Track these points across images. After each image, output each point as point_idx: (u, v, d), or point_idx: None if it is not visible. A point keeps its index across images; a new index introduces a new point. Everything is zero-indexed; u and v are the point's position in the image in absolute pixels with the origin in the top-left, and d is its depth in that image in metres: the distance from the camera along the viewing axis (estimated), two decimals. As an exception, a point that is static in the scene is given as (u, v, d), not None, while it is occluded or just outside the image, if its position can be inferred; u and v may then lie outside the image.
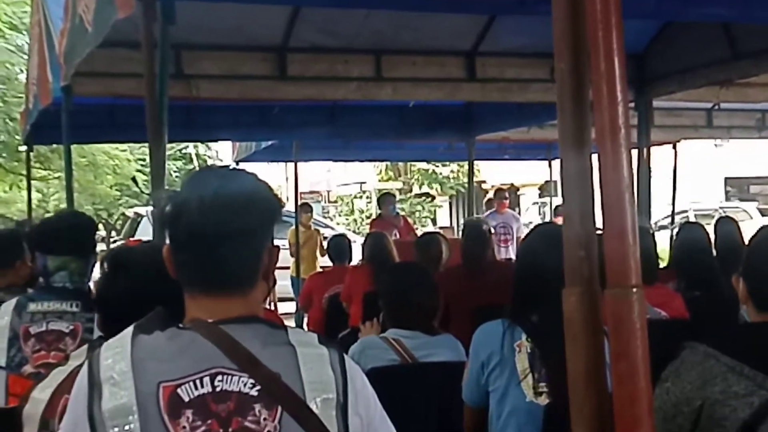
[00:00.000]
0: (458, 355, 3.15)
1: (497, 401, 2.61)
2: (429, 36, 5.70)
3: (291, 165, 10.17)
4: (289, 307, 9.93)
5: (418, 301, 3.28)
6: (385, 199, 10.47)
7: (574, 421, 1.32)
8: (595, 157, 1.32)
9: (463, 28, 5.82)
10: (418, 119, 7.82)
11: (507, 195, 11.07)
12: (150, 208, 13.87)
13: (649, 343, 1.25)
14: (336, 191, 32.23)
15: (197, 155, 28.21)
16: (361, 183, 29.35)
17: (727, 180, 28.00)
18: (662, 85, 6.23)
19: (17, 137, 12.54)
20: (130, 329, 1.51)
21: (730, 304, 3.48)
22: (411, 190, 28.51)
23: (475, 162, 9.59)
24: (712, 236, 5.30)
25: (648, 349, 1.25)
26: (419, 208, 27.90)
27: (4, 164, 14.53)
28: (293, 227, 10.57)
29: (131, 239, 12.49)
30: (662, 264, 4.84)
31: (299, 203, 10.53)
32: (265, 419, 1.43)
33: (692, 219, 14.26)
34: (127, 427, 1.40)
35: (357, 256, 6.97)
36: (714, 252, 5.17)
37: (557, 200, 11.52)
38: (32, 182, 9.09)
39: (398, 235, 9.30)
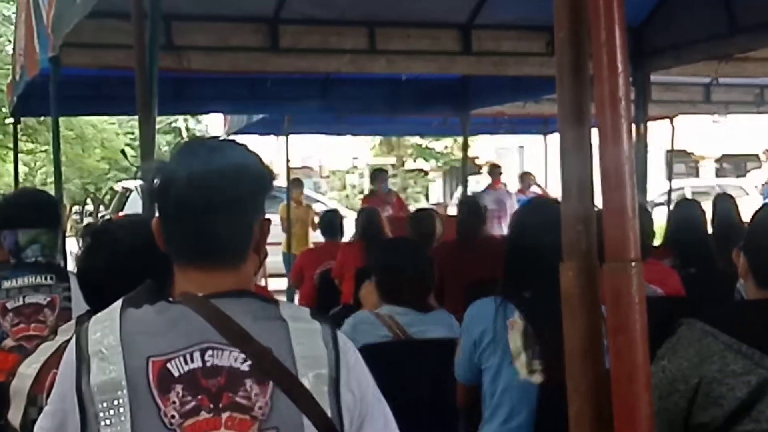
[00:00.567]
0: (452, 332, 3.14)
1: (490, 379, 2.60)
2: (424, 8, 5.65)
3: (282, 139, 10.11)
4: (281, 283, 9.92)
5: (412, 277, 3.26)
6: (377, 175, 10.45)
7: (570, 396, 1.30)
8: (594, 132, 1.30)
9: (459, 1, 5.77)
10: (412, 93, 7.78)
11: (501, 171, 11.06)
12: (139, 183, 13.82)
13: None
14: (328, 166, 32.17)
15: (187, 129, 28.08)
16: (354, 158, 29.31)
17: (724, 156, 28.03)
18: (660, 59, 6.19)
19: (3, 109, 12.44)
20: (119, 303, 1.49)
21: (726, 280, 3.48)
22: (404, 165, 28.47)
23: (469, 137, 9.56)
24: (709, 213, 5.30)
25: (647, 324, 1.23)
26: (412, 183, 27.89)
27: (-12, 137, 14.43)
28: (285, 203, 10.54)
29: (120, 214, 12.46)
30: (658, 241, 4.84)
31: (290, 178, 10.49)
32: (256, 394, 1.42)
33: (689, 196, 14.29)
34: (115, 402, 1.38)
35: (349, 232, 6.96)
36: (711, 229, 5.17)
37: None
38: (19, 155, 9.02)
39: (390, 211, 9.29)
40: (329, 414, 1.44)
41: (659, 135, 9.39)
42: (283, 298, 7.92)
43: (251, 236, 1.53)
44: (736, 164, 27.84)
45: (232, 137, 9.01)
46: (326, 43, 5.78)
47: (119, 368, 1.40)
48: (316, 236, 9.16)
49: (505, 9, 5.81)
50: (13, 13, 12.37)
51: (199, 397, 1.40)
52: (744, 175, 23.13)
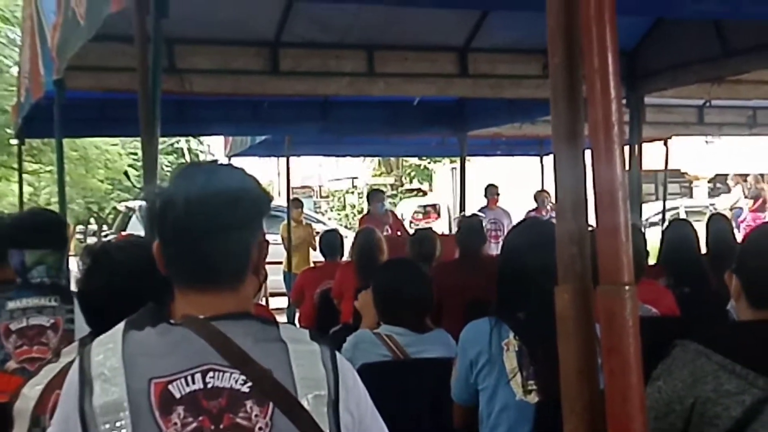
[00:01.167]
0: (450, 351, 3.15)
1: (487, 400, 2.61)
2: (421, 31, 5.70)
3: (283, 160, 10.14)
4: (281, 302, 9.92)
5: (411, 297, 3.28)
6: (373, 195, 10.42)
7: (566, 417, 1.31)
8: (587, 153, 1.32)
9: (456, 24, 5.82)
10: (410, 115, 7.82)
11: (498, 191, 11.08)
12: (141, 203, 13.83)
13: (640, 339, 1.25)
14: (327, 186, 32.19)
15: (189, 150, 28.13)
16: (353, 178, 29.33)
17: (717, 176, 28.06)
18: (654, 81, 6.24)
19: (8, 130, 12.48)
20: (121, 325, 1.50)
21: (720, 300, 3.50)
22: (402, 185, 28.49)
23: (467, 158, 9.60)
24: (704, 233, 5.32)
25: (640, 345, 1.25)
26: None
27: (-6, 157, 14.47)
28: (285, 222, 10.56)
29: (122, 233, 12.48)
30: (652, 261, 4.85)
31: (290, 198, 10.52)
32: (256, 416, 1.43)
33: (683, 215, 14.30)
34: (118, 423, 1.40)
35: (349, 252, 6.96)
36: (706, 249, 5.18)
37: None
38: (23, 176, 9.05)
39: (389, 232, 9.29)
40: None
41: (653, 155, 9.44)
42: (283, 317, 7.93)
43: (250, 258, 1.55)
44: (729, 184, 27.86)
45: (234, 160, 9.11)
46: (326, 66, 5.83)
47: (121, 390, 1.41)
48: (316, 255, 9.17)
49: (500, 33, 5.86)
50: (17, 35, 12.44)
51: (201, 418, 1.42)
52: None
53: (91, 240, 16.30)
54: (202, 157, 28.61)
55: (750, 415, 1.60)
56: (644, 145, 6.82)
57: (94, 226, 19.15)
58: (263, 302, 9.77)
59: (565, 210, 1.33)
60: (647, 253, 4.13)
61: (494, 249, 9.80)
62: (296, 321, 7.19)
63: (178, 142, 27.14)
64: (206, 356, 1.45)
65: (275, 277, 10.52)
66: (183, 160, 26.71)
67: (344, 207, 29.22)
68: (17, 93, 7.61)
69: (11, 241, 3.12)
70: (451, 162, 22.56)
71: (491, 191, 10.93)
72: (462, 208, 9.02)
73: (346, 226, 20.48)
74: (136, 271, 1.86)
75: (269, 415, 1.44)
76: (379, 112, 7.70)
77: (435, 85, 6.23)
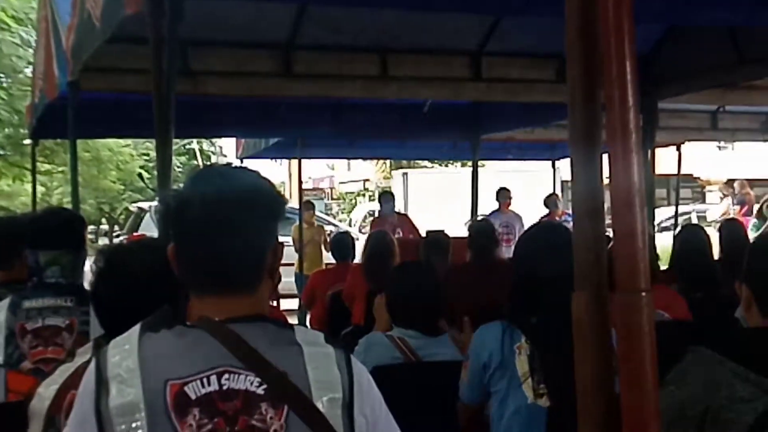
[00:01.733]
0: (461, 355, 3.15)
1: (499, 403, 2.62)
2: (435, 35, 5.70)
3: (294, 162, 10.16)
4: (292, 303, 9.93)
5: (423, 301, 3.29)
6: (383, 197, 10.43)
7: (581, 423, 1.32)
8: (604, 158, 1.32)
9: (469, 28, 5.83)
10: (423, 118, 7.82)
11: (510, 195, 11.06)
12: (153, 203, 13.91)
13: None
14: (339, 188, 32.24)
15: (201, 151, 28.24)
16: (365, 180, 29.37)
17: (729, 182, 27.97)
18: (668, 87, 6.22)
19: (22, 131, 12.58)
20: (137, 327, 1.51)
21: (733, 305, 3.49)
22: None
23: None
24: (717, 238, 5.30)
25: (656, 352, 1.25)
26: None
27: (8, 157, 14.56)
28: (297, 224, 10.58)
29: (134, 234, 12.52)
30: (665, 266, 4.85)
31: (302, 200, 10.54)
32: (271, 418, 1.44)
33: (695, 220, 14.26)
34: (134, 425, 1.40)
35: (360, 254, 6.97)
36: (719, 253, 5.17)
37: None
38: (36, 176, 9.11)
39: (400, 234, 9.29)
40: None
41: (666, 160, 9.42)
42: (294, 319, 7.94)
43: (265, 260, 1.56)
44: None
45: (246, 162, 9.10)
46: (339, 68, 5.84)
47: (137, 391, 1.42)
48: (328, 257, 9.19)
49: (514, 37, 5.86)
50: (31, 36, 12.52)
51: (216, 420, 1.42)
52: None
53: (103, 240, 16.37)
54: (213, 159, 28.73)
55: (763, 422, 1.60)
56: (657, 150, 6.81)
57: (105, 227, 19.24)
58: (274, 303, 9.79)
59: (582, 216, 1.34)
60: (657, 257, 4.12)
61: (506, 253, 9.81)
62: (307, 323, 7.19)
63: (190, 143, 27.25)
64: (222, 358, 1.46)
65: (286, 279, 10.52)
66: (195, 162, 26.81)
67: (352, 209, 29.25)
68: (31, 94, 7.65)
69: (27, 241, 3.13)
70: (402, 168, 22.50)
71: (503, 195, 10.91)
72: (474, 212, 9.01)
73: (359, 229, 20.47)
74: (149, 273, 1.87)
75: (284, 417, 1.44)
76: (392, 115, 7.70)
77: (448, 89, 6.23)
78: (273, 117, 7.43)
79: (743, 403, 1.61)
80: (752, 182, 25.95)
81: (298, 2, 5.09)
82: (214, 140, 27.29)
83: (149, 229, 12.06)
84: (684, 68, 5.98)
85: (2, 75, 13.37)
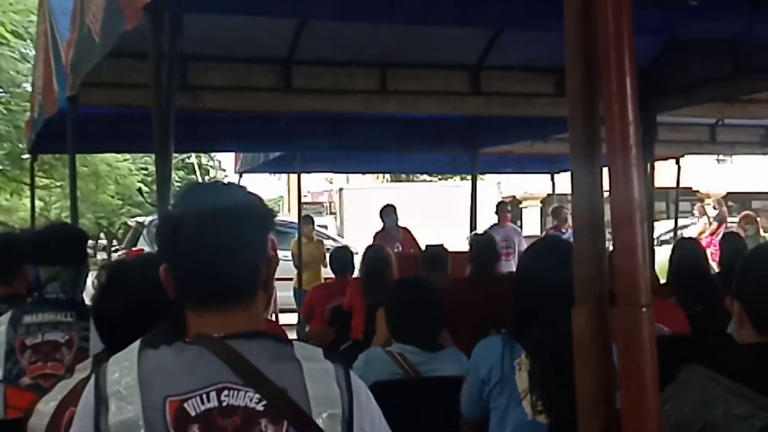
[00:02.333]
0: (462, 369, 3.14)
1: (498, 419, 2.60)
2: (434, 49, 5.71)
3: (293, 176, 10.18)
4: (291, 318, 9.92)
5: (422, 316, 3.28)
6: (385, 211, 10.37)
7: (582, 439, 1.31)
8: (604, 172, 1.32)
9: (468, 42, 5.84)
10: (422, 132, 7.83)
11: (509, 209, 11.06)
12: (152, 218, 13.91)
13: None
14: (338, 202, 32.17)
15: (199, 165, 28.26)
16: (363, 194, 29.30)
17: (729, 195, 28.02)
18: (667, 100, 6.23)
19: (21, 145, 12.59)
20: (137, 343, 1.51)
21: (729, 319, 3.49)
22: (413, 202, 28.47)
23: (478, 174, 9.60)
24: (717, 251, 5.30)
25: (657, 367, 1.24)
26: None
27: (7, 172, 14.57)
28: (296, 239, 10.57)
29: (133, 249, 12.52)
30: (664, 279, 4.84)
31: (301, 215, 10.53)
32: None
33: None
34: None
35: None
36: (718, 267, 5.17)
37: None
38: (35, 191, 9.11)
39: (400, 248, 9.28)
40: None
41: (664, 173, 9.42)
42: (293, 333, 7.91)
43: (260, 274, 1.56)
44: (741, 202, 27.81)
45: (245, 176, 9.04)
46: (338, 83, 5.85)
47: (137, 408, 1.41)
48: (327, 272, 9.18)
49: (513, 51, 5.87)
50: (30, 51, 12.56)
51: None
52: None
53: (101, 255, 16.37)
54: (212, 173, 28.75)
55: (763, 438, 1.59)
56: (656, 163, 6.81)
57: (104, 241, 19.23)
58: (273, 318, 9.77)
59: (582, 231, 1.34)
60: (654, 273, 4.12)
61: (505, 267, 9.80)
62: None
63: (188, 157, 27.27)
64: (221, 375, 1.45)
65: (286, 294, 10.54)
66: (193, 176, 26.82)
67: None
68: (31, 109, 7.67)
69: (28, 256, 3.13)
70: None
71: (502, 209, 10.91)
72: (473, 226, 9.00)
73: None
74: (151, 288, 1.86)
75: None
76: (391, 130, 7.71)
77: (448, 103, 6.24)
78: (272, 131, 7.44)
79: (740, 420, 1.60)
80: (752, 195, 26.01)
81: (297, 16, 5.09)
82: (212, 155, 27.30)
83: (148, 244, 12.06)
84: (683, 81, 5.99)
85: (1, 90, 13.39)
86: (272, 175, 14.57)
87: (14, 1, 13.08)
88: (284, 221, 14.49)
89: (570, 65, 1.33)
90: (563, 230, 10.32)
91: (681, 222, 11.65)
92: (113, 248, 15.57)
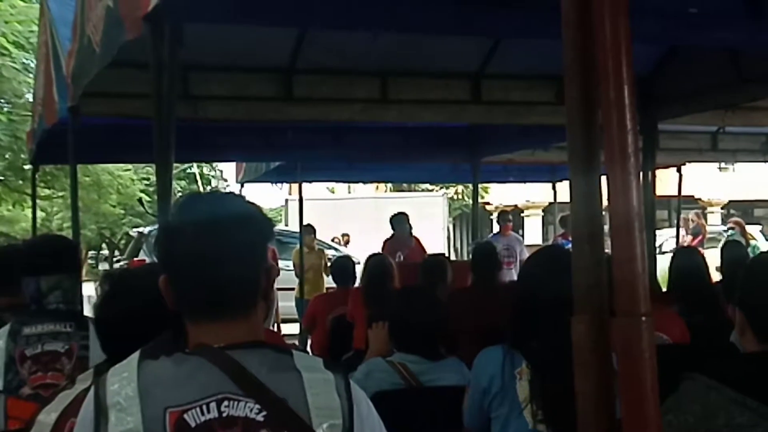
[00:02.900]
0: (463, 379, 3.13)
1: (500, 429, 2.60)
2: (435, 58, 5.72)
3: (294, 186, 10.19)
4: (293, 328, 9.91)
5: (424, 326, 3.27)
6: (397, 218, 10.37)
7: (583, 449, 1.31)
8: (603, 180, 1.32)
9: (469, 51, 5.85)
10: (423, 141, 7.84)
11: (510, 218, 11.07)
12: (153, 228, 13.90)
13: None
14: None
15: (201, 175, 28.27)
16: (365, 203, 29.29)
17: (731, 203, 28.02)
18: (668, 108, 6.23)
19: (22, 156, 12.60)
20: (136, 354, 1.51)
21: (730, 328, 3.48)
22: (414, 211, 28.46)
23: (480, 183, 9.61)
24: (719, 259, 5.28)
25: (657, 376, 1.24)
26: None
27: (8, 183, 14.59)
28: (297, 248, 10.57)
29: (135, 259, 12.52)
30: (664, 287, 4.84)
31: (303, 224, 10.53)
32: None
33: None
34: None
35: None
36: (720, 275, 5.15)
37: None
38: (37, 201, 9.12)
39: (401, 258, 9.27)
40: None
41: (666, 181, 9.42)
42: (295, 343, 7.90)
43: (260, 284, 1.56)
44: (743, 210, 27.82)
45: (247, 186, 9.02)
46: (339, 92, 5.86)
47: (137, 419, 1.41)
48: (329, 281, 9.18)
49: (514, 59, 5.88)
50: (31, 61, 12.58)
51: None
52: (753, 222, 23.12)
53: (103, 266, 16.39)
54: (214, 183, 28.77)
55: (766, 448, 1.58)
56: (658, 171, 6.80)
57: (106, 251, 19.25)
58: (274, 328, 9.76)
59: (581, 240, 1.33)
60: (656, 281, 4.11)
61: (507, 276, 9.79)
62: (308, 347, 7.17)
63: (190, 167, 27.28)
64: (221, 385, 1.45)
65: (287, 303, 10.54)
66: (195, 186, 26.84)
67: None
68: (32, 120, 7.68)
69: (26, 268, 3.14)
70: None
71: (504, 218, 10.93)
72: (475, 234, 9.00)
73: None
74: (153, 298, 1.86)
75: None
76: (392, 138, 7.72)
77: (448, 112, 6.25)
78: (273, 141, 7.45)
79: (743, 430, 1.59)
80: (754, 203, 26.02)
81: (298, 25, 5.10)
82: (214, 164, 27.31)
83: (147, 254, 12.07)
84: (684, 89, 5.99)
85: (3, 101, 13.41)
86: (274, 184, 14.54)
87: (16, 12, 13.11)
88: (285, 231, 14.51)
89: (569, 73, 1.33)
90: (570, 239, 10.28)
91: (660, 234, 11.54)
92: (115, 258, 15.57)
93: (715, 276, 5.08)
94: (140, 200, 16.42)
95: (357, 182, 15.55)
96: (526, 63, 5.89)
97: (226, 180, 29.20)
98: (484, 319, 4.44)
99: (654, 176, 6.55)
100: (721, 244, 7.17)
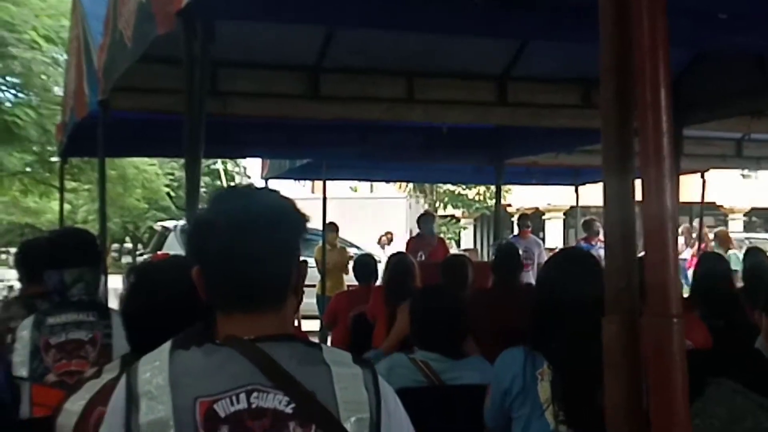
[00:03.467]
0: (486, 378, 3.12)
1: (521, 430, 2.59)
2: (461, 59, 5.72)
3: (318, 183, 10.22)
4: (313, 324, 9.93)
5: (446, 324, 3.28)
6: (424, 218, 10.51)
7: (611, 450, 1.31)
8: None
9: (495, 52, 5.84)
10: (447, 141, 7.81)
11: (529, 223, 11.05)
12: (178, 223, 14.00)
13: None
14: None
15: (225, 171, 28.39)
16: (387, 203, 29.30)
17: (753, 210, 27.76)
18: (693, 113, 6.17)
19: (49, 148, 12.73)
20: (168, 344, 1.53)
21: (756, 334, 3.46)
22: (436, 211, 28.45)
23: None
24: (741, 265, 5.25)
25: (687, 379, 1.24)
26: (444, 229, 27.84)
27: (35, 175, 14.74)
28: (320, 245, 10.61)
29: (159, 253, 12.61)
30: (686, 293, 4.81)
31: (326, 222, 10.57)
32: None
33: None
34: None
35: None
36: (743, 281, 5.12)
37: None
38: (64, 193, 9.20)
39: (423, 257, 9.27)
40: None
41: (689, 187, 9.36)
42: (315, 340, 7.90)
43: (291, 278, 1.57)
44: (765, 218, 27.56)
45: (271, 183, 9.05)
46: (365, 91, 5.86)
47: (167, 408, 1.43)
48: (350, 279, 9.21)
49: (540, 61, 5.86)
50: (61, 55, 12.69)
51: None
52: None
53: (126, 259, 16.53)
54: (237, 179, 28.89)
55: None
56: (681, 177, 6.75)
57: (129, 244, 19.40)
58: (295, 324, 9.79)
59: (614, 242, 1.34)
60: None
61: (525, 278, 9.75)
62: (329, 344, 7.18)
63: (214, 163, 27.41)
64: (251, 377, 1.46)
65: (308, 300, 10.57)
66: (219, 182, 26.96)
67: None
68: (62, 113, 7.75)
69: (49, 261, 3.19)
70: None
71: (523, 223, 10.91)
72: (497, 236, 8.99)
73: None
74: (179, 290, 1.88)
75: None
76: (417, 138, 7.72)
77: (473, 113, 6.24)
78: (299, 138, 7.46)
79: None
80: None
81: (325, 23, 5.12)
82: (238, 161, 27.42)
83: (173, 248, 12.15)
84: (710, 95, 5.93)
85: (32, 94, 13.54)
86: (296, 181, 14.60)
87: (46, 6, 13.24)
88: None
89: (604, 74, 1.33)
90: (592, 243, 10.24)
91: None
92: (138, 252, 15.69)
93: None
94: (168, 194, 16.53)
95: (381, 181, 15.54)
96: (552, 66, 5.88)
97: (249, 177, 29.30)
98: (505, 320, 4.43)
99: (677, 182, 6.50)
100: (743, 252, 7.10)
